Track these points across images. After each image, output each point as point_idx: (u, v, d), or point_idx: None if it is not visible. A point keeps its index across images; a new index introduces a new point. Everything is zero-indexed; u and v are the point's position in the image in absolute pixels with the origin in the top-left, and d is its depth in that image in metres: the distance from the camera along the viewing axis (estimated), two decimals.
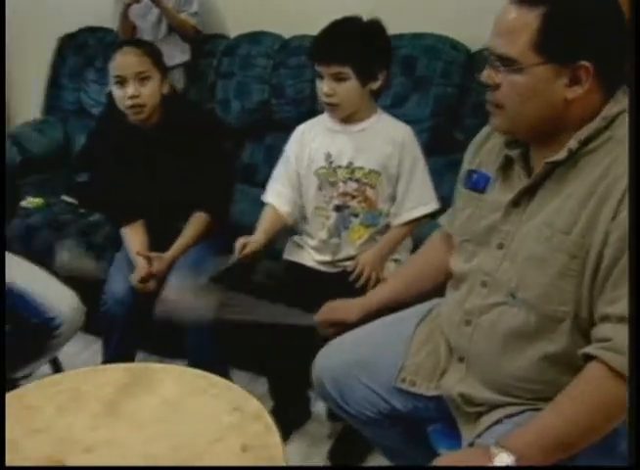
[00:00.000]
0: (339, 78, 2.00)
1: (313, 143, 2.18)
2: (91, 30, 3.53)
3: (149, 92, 2.24)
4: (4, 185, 1.58)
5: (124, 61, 2.23)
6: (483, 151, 1.52)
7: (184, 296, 2.03)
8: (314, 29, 2.12)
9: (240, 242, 2.06)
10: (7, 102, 4.07)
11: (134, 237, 2.36)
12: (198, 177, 2.29)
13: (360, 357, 1.62)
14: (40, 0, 3.74)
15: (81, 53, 3.52)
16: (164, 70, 2.32)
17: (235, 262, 2.04)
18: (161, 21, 3.06)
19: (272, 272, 2.33)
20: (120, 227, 2.39)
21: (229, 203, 2.46)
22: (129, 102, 2.22)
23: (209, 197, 2.34)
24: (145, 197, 2.34)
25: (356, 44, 2.00)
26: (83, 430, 1.48)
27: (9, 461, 1.39)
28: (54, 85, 3.61)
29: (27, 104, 3.88)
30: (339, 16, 2.05)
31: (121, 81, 2.22)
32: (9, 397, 1.63)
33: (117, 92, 2.24)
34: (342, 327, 1.75)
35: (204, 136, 2.34)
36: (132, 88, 2.21)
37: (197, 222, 2.34)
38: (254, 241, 2.07)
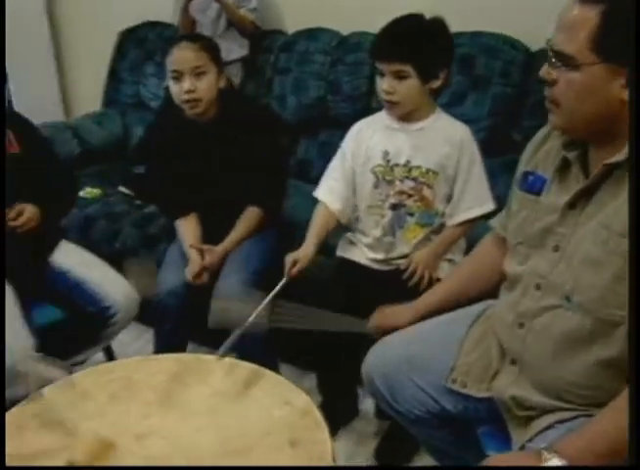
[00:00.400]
0: (399, 76, 1.99)
1: (371, 140, 2.17)
2: (151, 25, 3.58)
3: (205, 87, 2.25)
4: (4, 184, 1.60)
5: (181, 55, 2.24)
6: (541, 153, 1.49)
7: (236, 301, 2.05)
8: (372, 26, 2.12)
9: (290, 259, 2.05)
10: (68, 94, 4.16)
11: (188, 229, 2.38)
12: (252, 172, 2.30)
13: (412, 355, 1.61)
14: None
15: (141, 47, 3.57)
16: (221, 65, 2.33)
17: (285, 283, 2.03)
18: (221, 16, 3.09)
19: (324, 268, 2.32)
20: (175, 219, 2.42)
21: (282, 198, 2.47)
22: (185, 96, 2.24)
23: (263, 192, 2.35)
24: (199, 190, 2.36)
25: (418, 42, 1.98)
26: (135, 417, 1.51)
27: (63, 444, 1.42)
28: (114, 79, 3.68)
29: (88, 96, 3.96)
30: (397, 13, 2.04)
31: (178, 76, 2.24)
32: (63, 381, 1.66)
33: (174, 87, 2.27)
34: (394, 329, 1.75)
35: (259, 131, 2.35)
36: (188, 83, 2.22)
37: (250, 217, 2.36)
38: (304, 256, 2.05)
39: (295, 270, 2.04)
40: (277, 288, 1.99)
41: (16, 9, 3.72)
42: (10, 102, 3.91)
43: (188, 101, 2.25)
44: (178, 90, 2.25)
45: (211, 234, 2.37)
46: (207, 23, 3.10)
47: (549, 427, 1.37)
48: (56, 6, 3.99)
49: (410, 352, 1.63)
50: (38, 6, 3.87)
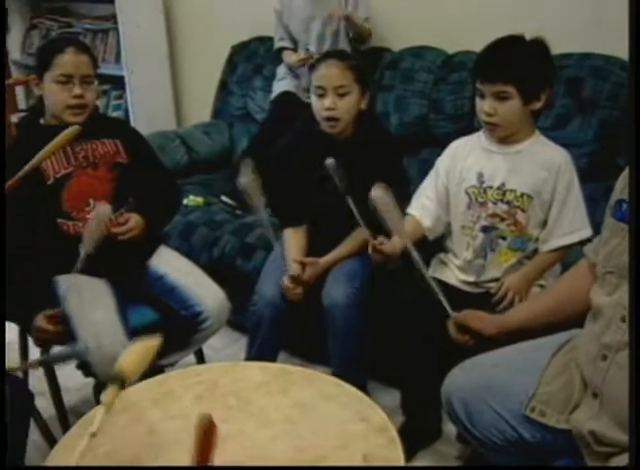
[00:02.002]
0: (501, 97, 1.98)
1: (466, 161, 2.16)
2: (261, 40, 3.68)
3: (346, 107, 2.27)
4: (4, 184, 1.67)
5: (327, 73, 2.27)
6: None
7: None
8: (478, 46, 2.11)
9: (381, 238, 2.06)
10: (181, 104, 4.33)
11: (295, 241, 2.41)
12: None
13: (492, 381, 1.59)
14: (214, 9, 3.95)
15: (251, 61, 3.67)
16: (366, 86, 2.34)
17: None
18: (325, 33, 3.15)
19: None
20: (285, 227, 2.45)
21: None
22: (325, 113, 2.27)
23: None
24: (316, 202, 2.40)
25: (521, 63, 1.97)
26: (216, 421, 1.55)
27: (145, 442, 1.48)
28: (223, 91, 3.79)
29: (199, 107, 4.10)
30: (503, 33, 2.03)
31: (322, 92, 2.27)
32: (152, 381, 1.73)
33: (316, 102, 2.30)
34: (477, 339, 1.74)
35: (387, 155, 2.36)
36: (330, 100, 2.25)
37: (359, 237, 2.34)
38: (391, 243, 2.06)
39: (379, 247, 2.05)
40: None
41: (139, 24, 3.93)
42: (126, 110, 4.10)
43: (328, 118, 2.28)
44: (320, 106, 2.28)
45: (315, 247, 2.41)
46: (312, 41, 3.18)
47: None
48: (173, 21, 4.17)
49: (491, 378, 1.60)
50: (158, 21, 4.05)
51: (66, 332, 2.03)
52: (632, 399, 1.10)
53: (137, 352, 1.50)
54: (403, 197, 2.47)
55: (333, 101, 2.25)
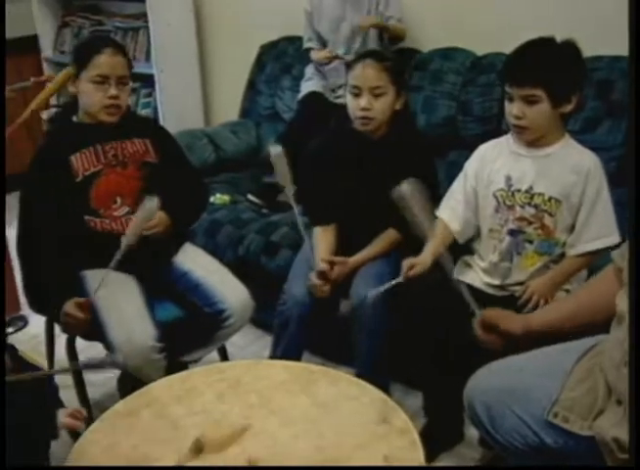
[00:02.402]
0: (529, 101, 1.96)
1: (494, 164, 2.15)
2: (290, 40, 3.68)
3: (380, 107, 2.27)
4: (4, 185, 1.68)
5: (363, 73, 2.27)
6: None
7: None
8: (508, 47, 2.10)
9: (408, 262, 2.09)
10: (209, 103, 4.35)
11: (324, 239, 2.41)
12: None
13: (515, 386, 1.58)
14: (244, 9, 3.96)
15: (279, 61, 3.67)
16: (402, 87, 2.34)
17: (399, 282, 2.08)
18: (355, 33, 3.15)
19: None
20: (315, 225, 2.45)
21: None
22: (359, 113, 2.28)
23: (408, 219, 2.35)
24: (347, 202, 2.39)
25: (551, 67, 1.95)
26: (237, 418, 1.56)
27: (168, 438, 1.50)
28: (252, 90, 3.80)
29: (227, 106, 4.12)
30: (533, 35, 2.01)
31: (357, 92, 2.27)
32: (175, 377, 1.75)
33: (352, 101, 2.30)
34: (502, 338, 1.73)
35: (420, 156, 2.36)
36: (365, 100, 2.25)
37: (388, 238, 2.35)
38: (422, 263, 2.09)
39: (412, 273, 2.08)
40: (392, 283, 2.07)
41: (169, 22, 3.95)
42: (155, 108, 4.13)
43: (362, 117, 2.29)
44: (354, 105, 2.29)
45: (344, 246, 2.40)
46: (341, 42, 3.18)
47: None
48: (203, 20, 4.19)
49: (513, 381, 1.59)
50: (188, 20, 4.08)
51: (93, 323, 2.07)
52: (632, 400, 1.08)
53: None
54: (434, 199, 2.49)
55: (368, 101, 2.26)
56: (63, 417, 1.66)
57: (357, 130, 2.34)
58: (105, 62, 2.17)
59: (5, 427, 1.28)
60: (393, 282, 2.09)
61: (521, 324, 1.74)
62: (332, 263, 2.30)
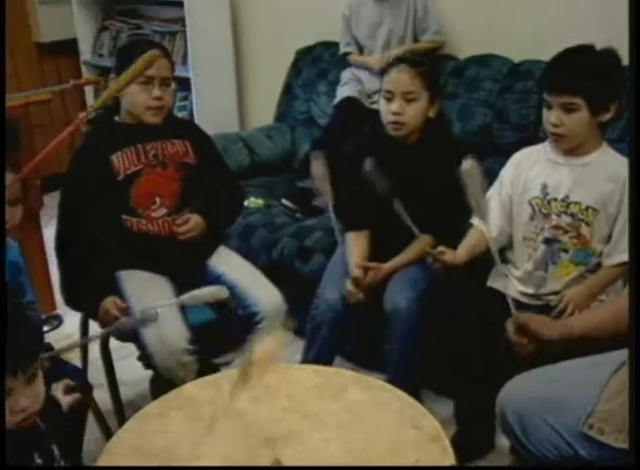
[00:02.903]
0: (568, 109, 1.95)
1: (530, 172, 2.14)
2: (326, 45, 3.69)
3: (413, 113, 2.28)
4: (4, 185, 1.69)
5: (396, 78, 2.28)
6: None
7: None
8: (545, 55, 2.09)
9: (441, 248, 2.09)
10: (244, 107, 4.37)
11: (357, 245, 2.41)
12: (436, 202, 2.29)
13: (549, 396, 1.57)
14: (280, 14, 3.98)
15: (315, 66, 3.68)
16: (436, 94, 2.34)
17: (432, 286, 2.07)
18: (391, 40, 3.15)
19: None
20: (348, 231, 2.45)
21: (459, 233, 2.41)
22: (391, 117, 2.28)
23: (441, 223, 2.32)
24: (380, 207, 2.39)
25: (590, 75, 1.93)
26: (269, 421, 1.57)
27: (202, 439, 1.51)
28: (287, 94, 3.82)
29: (262, 110, 4.14)
30: (571, 43, 2.00)
31: (390, 97, 2.28)
32: (208, 380, 1.75)
33: (384, 105, 2.31)
34: (534, 343, 1.72)
35: (454, 163, 2.35)
36: (397, 105, 2.26)
37: (423, 244, 2.32)
38: (454, 253, 2.10)
39: (442, 257, 2.09)
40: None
41: (206, 27, 3.98)
42: (191, 111, 4.17)
43: (393, 122, 2.29)
44: (387, 110, 2.29)
45: (377, 252, 2.40)
46: (377, 48, 3.18)
47: None
48: (240, 25, 4.22)
49: (548, 392, 1.58)
50: (225, 25, 4.10)
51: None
52: (632, 399, 1.07)
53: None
54: (458, 206, 2.47)
55: (400, 106, 2.26)
56: (60, 394, 1.63)
57: (390, 136, 2.34)
58: None
59: (5, 427, 1.25)
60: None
61: (556, 329, 1.72)
62: (365, 269, 2.30)
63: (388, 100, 2.28)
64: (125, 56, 2.24)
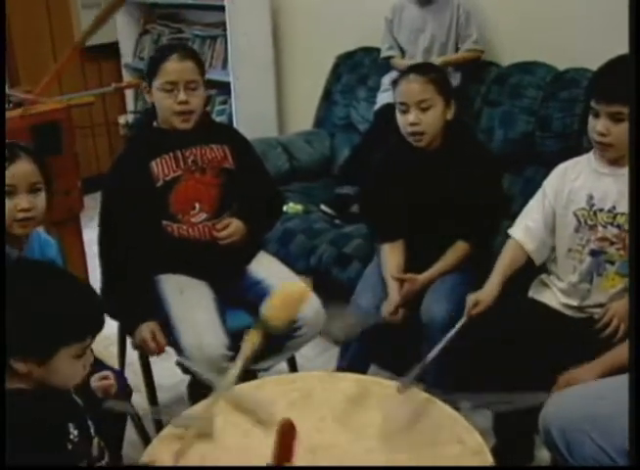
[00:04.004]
0: (616, 119, 1.91)
1: (575, 182, 2.10)
2: (366, 50, 3.68)
3: (429, 120, 2.26)
4: (4, 185, 1.68)
5: (407, 88, 2.27)
6: None
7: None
8: (590, 63, 2.05)
9: (471, 299, 2.08)
10: (283, 112, 4.38)
11: (391, 256, 2.39)
12: (468, 207, 2.28)
13: (597, 413, 1.54)
14: (320, 20, 3.98)
15: (355, 71, 3.67)
16: (450, 97, 2.32)
17: (464, 323, 2.06)
18: (433, 46, 3.14)
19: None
20: (382, 243, 2.44)
21: (493, 238, 2.41)
22: (410, 129, 2.27)
23: (476, 229, 2.32)
24: (412, 217, 2.38)
25: None
26: (309, 430, 1.56)
27: (240, 445, 1.50)
28: (327, 100, 3.81)
29: (301, 115, 4.14)
30: (617, 51, 1.96)
31: (405, 109, 2.27)
32: (246, 385, 1.75)
33: (400, 117, 2.30)
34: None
35: (482, 167, 2.33)
36: (413, 116, 2.25)
37: (458, 251, 2.32)
38: (487, 296, 2.08)
39: (475, 311, 2.06)
40: (456, 327, 2.03)
41: (246, 32, 4.00)
42: (230, 115, 4.18)
43: (413, 133, 2.28)
44: (404, 121, 2.28)
45: (414, 261, 2.38)
46: (419, 53, 3.16)
47: None
48: (280, 30, 4.23)
49: (595, 409, 1.55)
50: (265, 30, 4.12)
51: (166, 328, 2.11)
52: (632, 398, 1.04)
53: (281, 297, 1.69)
54: (502, 214, 2.45)
55: (416, 116, 2.24)
56: (94, 382, 1.66)
57: (411, 144, 2.33)
58: (171, 68, 2.17)
59: (5, 427, 1.24)
60: (458, 326, 2.05)
61: (599, 369, 1.71)
62: (401, 281, 2.28)
63: (404, 112, 2.27)
64: (152, 63, 2.24)
